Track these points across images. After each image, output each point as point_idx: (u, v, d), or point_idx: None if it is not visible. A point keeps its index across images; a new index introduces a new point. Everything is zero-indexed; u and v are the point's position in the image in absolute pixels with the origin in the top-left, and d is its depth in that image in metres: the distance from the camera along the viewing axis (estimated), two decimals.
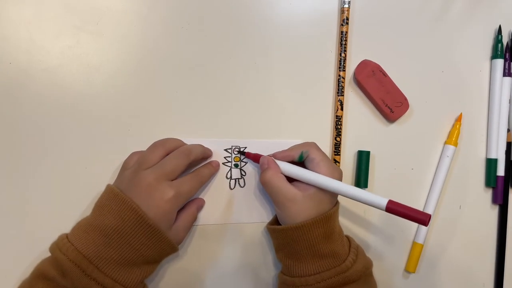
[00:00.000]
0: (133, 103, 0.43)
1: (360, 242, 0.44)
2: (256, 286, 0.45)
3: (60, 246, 0.34)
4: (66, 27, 0.42)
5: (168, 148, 0.39)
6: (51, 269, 0.34)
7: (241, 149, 0.45)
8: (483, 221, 0.52)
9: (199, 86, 0.45)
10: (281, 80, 0.47)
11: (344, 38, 0.47)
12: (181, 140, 0.42)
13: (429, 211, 0.49)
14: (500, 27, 0.52)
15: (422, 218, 0.35)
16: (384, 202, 0.37)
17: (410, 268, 0.48)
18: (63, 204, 0.41)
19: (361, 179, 0.47)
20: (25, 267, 0.39)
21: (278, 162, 0.41)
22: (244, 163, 0.45)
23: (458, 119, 0.50)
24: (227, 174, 0.45)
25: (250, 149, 0.45)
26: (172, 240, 0.37)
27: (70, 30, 0.42)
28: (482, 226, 0.52)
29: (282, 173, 0.41)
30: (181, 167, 0.38)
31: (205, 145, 0.43)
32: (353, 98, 0.48)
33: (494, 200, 0.52)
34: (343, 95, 0.47)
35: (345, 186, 0.39)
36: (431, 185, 0.50)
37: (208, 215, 0.44)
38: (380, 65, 0.47)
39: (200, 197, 0.44)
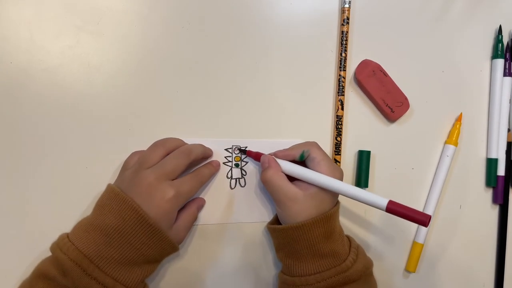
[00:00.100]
0: (134, 103, 0.43)
1: (360, 242, 0.44)
2: (257, 286, 0.45)
3: (61, 245, 0.34)
4: (66, 27, 0.42)
5: (168, 147, 0.39)
6: (52, 268, 0.34)
7: (242, 148, 0.45)
8: (483, 221, 0.52)
9: (200, 86, 0.45)
10: (282, 79, 0.47)
11: (345, 38, 0.47)
12: (181, 140, 0.42)
13: (429, 210, 0.49)
14: (500, 27, 0.52)
15: (422, 219, 0.35)
16: (384, 202, 0.37)
17: (410, 268, 0.48)
18: (64, 204, 0.41)
19: (361, 179, 0.47)
20: (25, 267, 0.39)
21: (279, 161, 0.41)
22: (245, 163, 0.45)
23: (459, 119, 0.50)
24: (227, 174, 0.45)
25: (250, 149, 0.45)
26: (173, 240, 0.37)
27: (71, 30, 0.42)
28: (483, 226, 0.52)
29: (283, 172, 0.41)
30: (181, 166, 0.38)
31: (206, 145, 0.43)
32: (354, 98, 0.48)
33: (495, 200, 0.52)
34: (343, 95, 0.47)
35: (346, 185, 0.39)
36: (432, 184, 0.50)
37: (209, 215, 0.44)
38: (381, 65, 0.47)
39: (200, 196, 0.44)
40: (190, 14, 0.44)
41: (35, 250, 0.39)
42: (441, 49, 0.51)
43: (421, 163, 0.50)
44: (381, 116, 0.49)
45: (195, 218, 0.42)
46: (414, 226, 0.49)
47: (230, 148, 0.45)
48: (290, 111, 0.47)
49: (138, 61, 0.43)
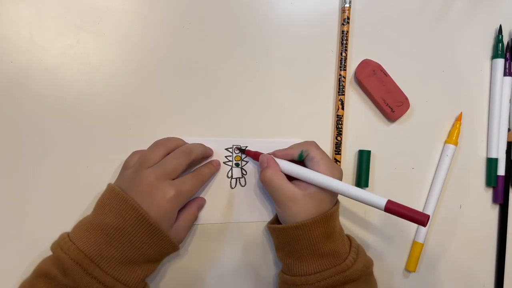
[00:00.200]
0: (134, 102, 0.43)
1: (360, 242, 0.44)
2: (257, 285, 0.45)
3: (62, 245, 0.34)
4: (67, 27, 0.42)
5: (169, 147, 0.39)
6: (53, 268, 0.34)
7: (242, 148, 0.45)
8: (483, 220, 0.52)
9: (200, 86, 0.45)
10: (282, 79, 0.47)
11: (345, 38, 0.47)
12: (182, 140, 0.42)
13: (429, 210, 0.49)
14: (500, 26, 0.52)
15: (420, 219, 0.35)
16: (383, 202, 0.37)
17: (410, 267, 0.48)
18: (64, 204, 0.41)
19: (361, 178, 0.47)
20: (25, 267, 0.39)
21: (278, 160, 0.41)
22: (245, 162, 0.45)
23: (459, 118, 0.50)
24: (228, 173, 0.45)
25: (250, 148, 0.45)
26: (173, 239, 0.37)
27: (71, 30, 0.42)
28: (483, 225, 0.52)
29: (282, 171, 0.41)
30: (182, 166, 0.38)
31: (206, 144, 0.43)
32: (354, 98, 0.48)
33: (495, 200, 0.52)
34: (344, 95, 0.47)
35: (344, 185, 0.39)
36: (432, 184, 0.50)
37: (209, 214, 0.44)
38: (381, 64, 0.47)
39: (201, 196, 0.44)
40: (190, 14, 0.44)
41: (35, 250, 0.39)
42: (441, 49, 0.51)
43: (421, 163, 0.50)
44: (381, 116, 0.49)
45: (195, 218, 0.42)
46: (414, 226, 0.49)
47: (230, 148, 0.45)
48: (291, 111, 0.47)
49: (138, 61, 0.43)
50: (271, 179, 0.39)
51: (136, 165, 0.38)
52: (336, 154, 0.47)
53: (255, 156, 0.43)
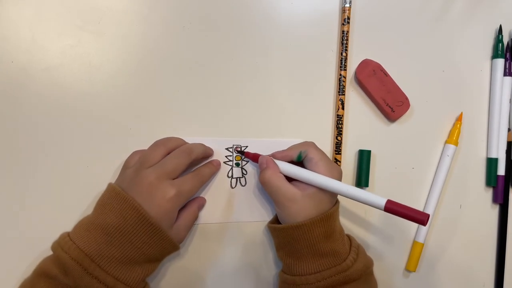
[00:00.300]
0: (134, 102, 0.43)
1: (360, 242, 0.44)
2: (257, 285, 0.45)
3: (62, 244, 0.34)
4: (67, 27, 0.42)
5: (169, 147, 0.39)
6: (53, 267, 0.34)
7: (242, 149, 0.45)
8: (483, 220, 0.52)
9: (200, 86, 0.45)
10: (282, 79, 0.47)
11: (345, 38, 0.47)
12: (182, 139, 0.42)
13: (429, 210, 0.49)
14: (500, 26, 0.52)
15: (420, 218, 0.35)
16: (382, 202, 0.37)
17: (410, 267, 0.48)
18: (64, 204, 0.41)
19: (362, 178, 0.47)
20: (25, 267, 0.39)
21: (277, 162, 0.41)
22: (245, 162, 0.45)
23: (459, 118, 0.50)
24: (228, 173, 0.45)
25: (251, 148, 0.45)
26: (174, 239, 0.37)
27: (71, 30, 0.42)
28: (483, 225, 0.52)
29: (281, 172, 0.41)
30: (182, 166, 0.38)
31: (206, 144, 0.43)
32: (354, 98, 0.48)
33: (495, 200, 0.52)
34: (344, 94, 0.47)
35: (344, 185, 0.39)
36: (432, 184, 0.50)
37: (209, 214, 0.44)
38: (381, 64, 0.47)
39: (201, 196, 0.44)
40: (190, 14, 0.44)
41: (35, 250, 0.39)
42: (441, 49, 0.51)
43: (421, 163, 0.50)
44: (382, 116, 0.49)
45: (195, 217, 0.42)
46: (414, 225, 0.49)
47: (230, 148, 0.45)
48: (291, 111, 0.47)
49: (139, 61, 0.43)
50: (270, 180, 0.40)
51: (136, 164, 0.38)
52: (336, 154, 0.47)
53: (254, 157, 0.43)
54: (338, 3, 0.48)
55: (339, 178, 0.40)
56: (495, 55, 0.51)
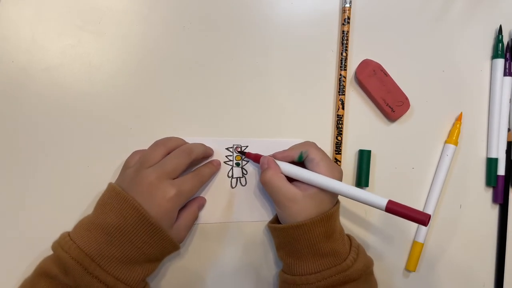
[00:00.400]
0: (135, 102, 0.43)
1: (360, 242, 0.44)
2: (257, 285, 0.45)
3: (62, 244, 0.34)
4: (67, 27, 0.42)
5: (169, 147, 0.39)
6: (54, 267, 0.34)
7: (242, 149, 0.45)
8: (483, 220, 0.52)
9: (200, 86, 0.45)
10: (282, 79, 0.47)
11: (345, 38, 0.47)
12: (182, 139, 0.42)
13: (429, 210, 0.49)
14: (500, 27, 0.52)
15: (421, 218, 0.35)
16: (383, 202, 0.37)
17: (410, 267, 0.48)
18: (64, 203, 0.41)
19: (362, 178, 0.47)
20: (25, 267, 0.39)
21: (278, 162, 0.41)
22: (246, 162, 0.45)
23: (459, 118, 0.50)
24: (228, 173, 0.45)
25: (251, 148, 0.45)
26: (174, 239, 0.37)
27: (72, 30, 0.42)
28: (483, 225, 0.52)
29: (282, 173, 0.41)
30: (182, 166, 0.38)
31: (206, 144, 0.43)
32: (354, 97, 0.48)
33: (495, 200, 0.52)
34: (344, 94, 0.47)
35: (345, 186, 0.39)
36: (432, 184, 0.50)
37: (210, 214, 0.44)
38: (381, 64, 0.47)
39: (201, 195, 0.44)
40: (190, 14, 0.45)
41: (35, 250, 0.39)
42: (441, 49, 0.51)
43: (421, 163, 0.50)
44: (382, 116, 0.49)
45: (196, 217, 0.42)
46: (414, 225, 0.49)
47: (231, 147, 0.45)
48: (291, 111, 0.47)
49: (139, 61, 0.43)
50: (271, 181, 0.40)
51: (136, 164, 0.38)
52: (336, 154, 0.47)
53: (256, 158, 0.43)
54: (338, 3, 0.48)
55: (340, 178, 0.40)
56: (495, 55, 0.51)
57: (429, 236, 0.50)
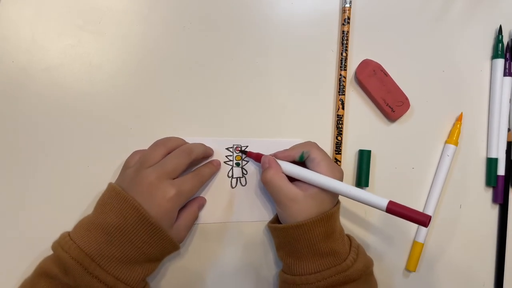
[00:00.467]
0: (135, 102, 0.43)
1: (360, 242, 0.44)
2: (257, 285, 0.45)
3: (62, 244, 0.34)
4: (67, 27, 0.42)
5: (169, 147, 0.39)
6: (54, 267, 0.34)
7: (242, 149, 0.45)
8: (483, 220, 0.52)
9: (200, 86, 0.45)
10: (282, 79, 0.47)
11: (345, 38, 0.47)
12: (182, 139, 0.42)
13: (429, 210, 0.49)
14: (500, 27, 0.52)
15: (422, 219, 0.35)
16: (384, 203, 0.37)
17: (410, 267, 0.48)
18: (64, 203, 0.41)
19: (362, 178, 0.47)
20: (25, 267, 0.39)
21: (279, 161, 0.41)
22: (246, 162, 0.45)
23: (459, 118, 0.50)
24: (228, 173, 0.45)
25: (251, 148, 0.45)
26: (174, 239, 0.37)
27: (72, 30, 0.42)
28: (483, 225, 0.52)
29: (283, 172, 0.41)
30: (182, 166, 0.38)
31: (206, 144, 0.43)
32: (354, 98, 0.48)
33: (495, 200, 0.52)
34: (344, 95, 0.47)
35: (346, 186, 0.39)
36: (432, 184, 0.50)
37: (210, 214, 0.44)
38: (381, 64, 0.47)
39: (201, 195, 0.44)
40: (190, 14, 0.45)
41: (35, 250, 0.39)
42: (441, 49, 0.51)
43: (421, 163, 0.50)
44: (382, 116, 0.49)
45: (196, 217, 0.42)
46: (414, 226, 0.49)
47: (231, 147, 0.45)
48: (291, 111, 0.47)
49: (139, 61, 0.43)
50: (272, 180, 0.40)
51: (136, 164, 0.38)
52: (336, 154, 0.47)
53: (257, 157, 0.43)
54: (338, 3, 0.48)
55: (340, 178, 0.40)
56: (495, 55, 0.51)
57: (429, 236, 0.50)
